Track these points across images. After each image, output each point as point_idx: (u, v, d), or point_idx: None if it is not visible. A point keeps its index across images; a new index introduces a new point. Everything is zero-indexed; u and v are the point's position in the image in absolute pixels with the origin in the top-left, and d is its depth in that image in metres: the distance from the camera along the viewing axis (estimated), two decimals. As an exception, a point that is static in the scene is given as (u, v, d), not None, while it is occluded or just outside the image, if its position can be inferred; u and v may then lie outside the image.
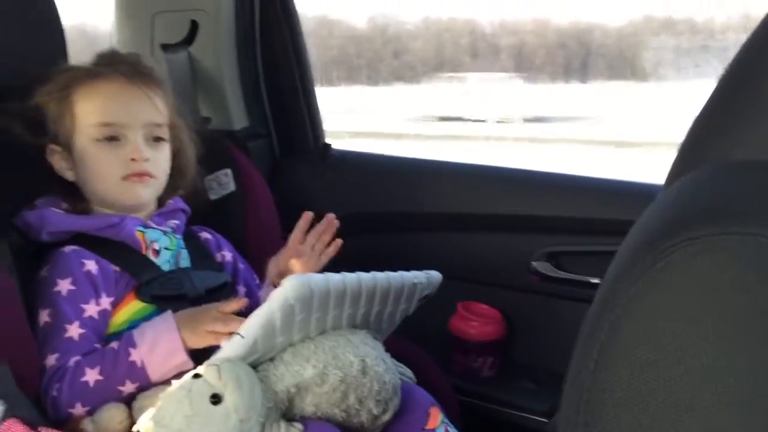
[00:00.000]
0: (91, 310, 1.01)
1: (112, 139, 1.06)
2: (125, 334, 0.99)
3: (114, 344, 0.98)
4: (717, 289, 0.44)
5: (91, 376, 0.95)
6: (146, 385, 0.96)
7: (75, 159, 1.08)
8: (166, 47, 1.51)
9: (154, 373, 0.96)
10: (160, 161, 1.10)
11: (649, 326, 0.46)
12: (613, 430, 0.47)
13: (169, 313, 1.00)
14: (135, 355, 0.96)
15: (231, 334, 0.90)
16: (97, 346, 1.00)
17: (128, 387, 0.96)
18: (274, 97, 1.63)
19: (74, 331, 0.98)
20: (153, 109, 1.09)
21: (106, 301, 1.02)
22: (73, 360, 0.96)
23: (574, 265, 1.39)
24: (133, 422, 0.92)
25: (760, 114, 0.56)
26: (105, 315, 1.02)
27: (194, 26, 1.50)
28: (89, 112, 1.06)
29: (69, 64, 1.17)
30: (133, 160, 1.06)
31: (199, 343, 0.97)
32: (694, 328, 0.45)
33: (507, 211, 1.43)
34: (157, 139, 1.10)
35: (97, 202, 1.09)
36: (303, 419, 0.91)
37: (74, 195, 1.09)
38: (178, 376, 0.90)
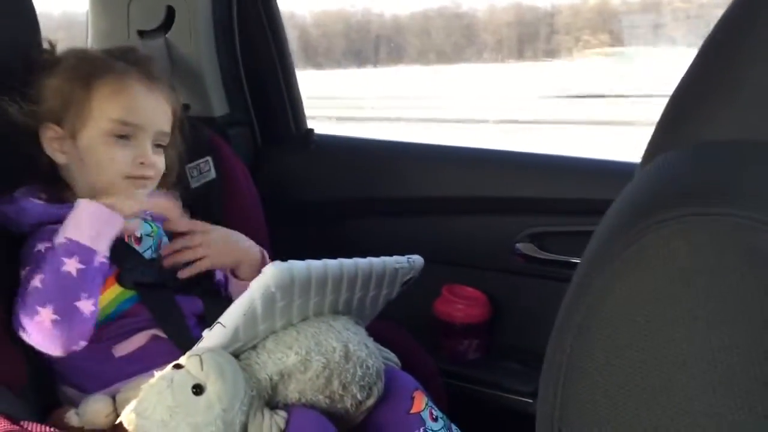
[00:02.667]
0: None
1: (124, 137, 1.06)
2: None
3: None
4: (690, 270, 0.44)
5: (37, 280, 0.95)
6: (90, 256, 0.97)
7: (79, 146, 1.06)
8: (142, 34, 1.49)
9: (81, 235, 0.97)
10: (159, 165, 1.11)
11: (625, 309, 0.46)
12: (589, 413, 0.47)
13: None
14: (59, 238, 0.97)
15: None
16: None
17: (70, 264, 0.95)
18: (254, 83, 1.61)
19: (37, 281, 0.96)
20: (167, 117, 1.12)
21: None
22: None
23: (558, 246, 1.39)
24: (118, 415, 0.92)
25: (735, 94, 0.56)
26: None
27: (171, 12, 1.48)
28: (111, 107, 1.06)
29: (80, 49, 1.17)
30: (141, 163, 1.07)
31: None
32: (669, 310, 0.44)
33: (490, 193, 1.43)
34: (161, 145, 1.12)
35: (81, 190, 1.08)
36: (287, 406, 0.91)
37: (56, 181, 1.08)
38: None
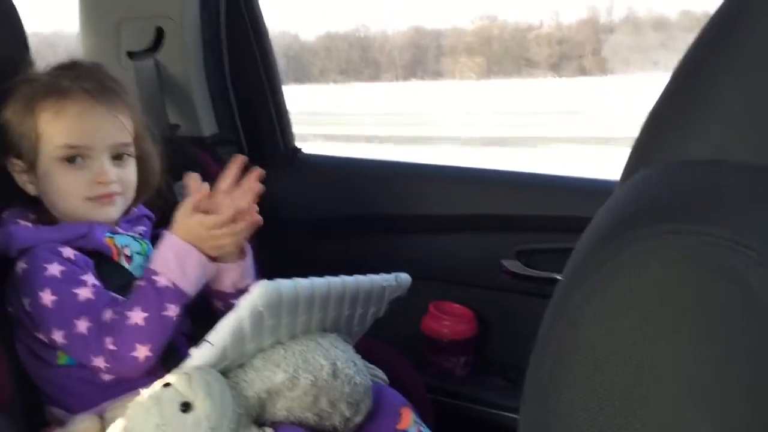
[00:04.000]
0: (90, 279, 1.01)
1: (77, 159, 1.04)
2: (145, 269, 1.01)
3: (140, 282, 1.00)
4: (666, 287, 0.45)
5: (136, 317, 0.96)
6: (188, 302, 0.99)
7: (38, 176, 1.06)
8: (132, 54, 1.50)
9: (187, 286, 0.99)
10: (126, 177, 1.09)
11: (603, 324, 0.47)
12: (571, 427, 0.48)
13: (171, 235, 1.01)
14: (162, 280, 0.97)
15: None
16: (115, 295, 1.01)
17: (171, 310, 0.97)
18: (243, 103, 1.62)
19: (86, 292, 0.99)
20: (119, 128, 1.07)
21: (94, 279, 1.02)
22: (108, 313, 0.97)
23: (544, 263, 1.40)
24: (105, 434, 0.92)
25: (710, 114, 0.57)
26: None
27: (160, 33, 1.49)
28: (55, 132, 1.04)
29: (30, 72, 1.12)
30: (99, 182, 1.05)
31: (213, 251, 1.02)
32: (646, 326, 0.46)
33: (476, 210, 1.44)
34: (124, 156, 1.09)
35: (61, 216, 1.08)
36: (275, 424, 0.91)
37: (39, 206, 1.08)
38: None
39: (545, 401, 0.50)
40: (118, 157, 1.07)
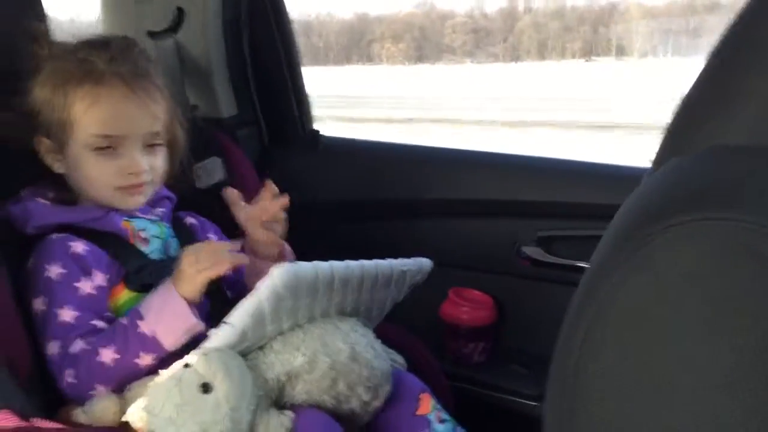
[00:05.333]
0: (86, 287, 1.00)
1: (109, 148, 1.03)
2: (132, 308, 0.98)
3: (123, 320, 0.98)
4: (698, 275, 0.44)
5: (107, 355, 0.95)
6: (164, 355, 0.96)
7: (68, 160, 1.05)
8: (152, 34, 1.50)
9: (167, 340, 0.95)
10: (157, 165, 1.08)
11: (633, 312, 0.47)
12: (599, 416, 0.48)
13: (168, 280, 0.99)
14: (144, 327, 0.95)
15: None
16: (95, 323, 0.99)
17: (145, 359, 0.95)
18: (262, 85, 1.62)
19: (67, 314, 0.98)
20: (153, 118, 1.06)
21: (101, 278, 1.01)
22: (78, 344, 0.96)
23: (565, 250, 1.39)
24: (124, 412, 0.92)
25: (745, 100, 0.56)
26: (102, 291, 1.01)
27: (180, 13, 1.48)
28: (89, 121, 1.02)
29: (57, 46, 1.08)
30: (130, 173, 1.04)
31: (196, 287, 0.97)
32: (677, 314, 0.45)
33: (497, 196, 1.43)
34: (155, 145, 1.08)
35: (88, 200, 1.07)
36: (293, 407, 0.91)
37: (62, 185, 1.08)
38: (193, 345, 0.91)
39: (572, 389, 0.49)
40: (149, 146, 1.07)
